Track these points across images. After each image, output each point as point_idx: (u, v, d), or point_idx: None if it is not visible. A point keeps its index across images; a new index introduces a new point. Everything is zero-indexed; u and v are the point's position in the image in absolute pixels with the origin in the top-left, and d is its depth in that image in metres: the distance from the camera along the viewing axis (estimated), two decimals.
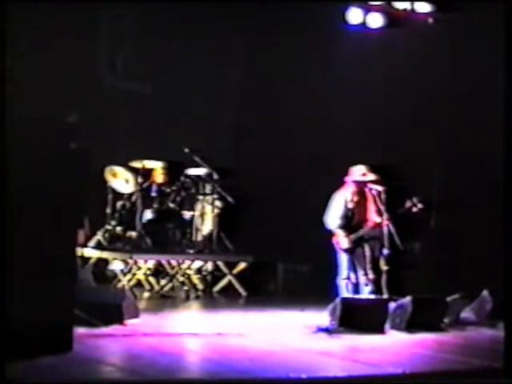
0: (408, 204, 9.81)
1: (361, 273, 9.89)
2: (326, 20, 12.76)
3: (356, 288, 9.91)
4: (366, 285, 9.89)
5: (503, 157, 8.04)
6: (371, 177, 9.92)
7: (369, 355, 7.75)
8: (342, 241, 9.86)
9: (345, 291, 9.84)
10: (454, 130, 12.10)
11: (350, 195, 9.93)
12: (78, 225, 10.35)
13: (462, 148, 11.93)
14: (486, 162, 11.23)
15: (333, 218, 9.93)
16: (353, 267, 9.90)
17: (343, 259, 9.89)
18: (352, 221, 9.95)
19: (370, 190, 9.97)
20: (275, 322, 9.74)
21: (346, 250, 9.86)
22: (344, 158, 11.76)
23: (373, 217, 9.92)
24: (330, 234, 10.06)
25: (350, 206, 9.93)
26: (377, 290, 9.86)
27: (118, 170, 12.47)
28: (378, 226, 9.95)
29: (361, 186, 9.93)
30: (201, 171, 12.66)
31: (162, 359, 7.29)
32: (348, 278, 9.85)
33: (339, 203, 9.94)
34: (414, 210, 9.82)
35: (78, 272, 8.87)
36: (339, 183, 10.22)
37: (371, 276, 9.89)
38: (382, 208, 9.81)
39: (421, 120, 12.33)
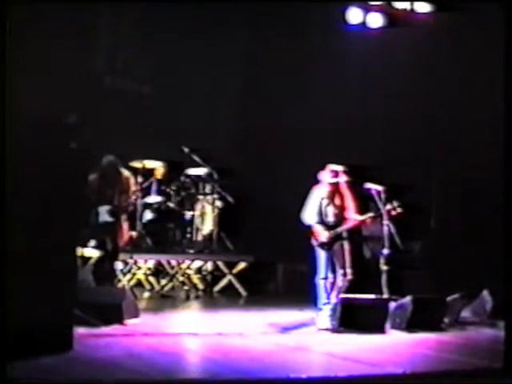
0: (388, 207, 9.79)
1: (340, 272, 9.83)
2: (326, 20, 12.76)
3: (333, 288, 9.82)
4: (342, 285, 9.82)
5: (504, 156, 8.04)
6: (343, 178, 9.90)
7: (369, 355, 7.75)
8: (321, 234, 9.80)
9: (322, 291, 9.78)
10: (454, 129, 12.10)
11: (324, 193, 9.92)
12: (78, 225, 10.35)
13: (462, 147, 11.93)
14: (486, 161, 11.23)
15: (309, 214, 9.91)
16: (331, 266, 9.84)
17: (321, 258, 9.84)
18: (328, 217, 9.90)
19: (369, 189, 9.95)
20: (275, 322, 9.74)
21: (322, 247, 9.79)
22: (344, 158, 11.76)
23: (351, 215, 9.89)
24: (309, 231, 10.01)
25: (325, 203, 9.90)
26: (353, 290, 9.79)
27: None
28: (359, 224, 9.93)
29: (334, 185, 9.91)
30: (201, 171, 12.66)
31: (162, 359, 7.29)
32: (325, 278, 9.78)
33: (315, 200, 9.94)
34: (393, 213, 9.80)
35: (78, 272, 8.86)
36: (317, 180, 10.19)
37: (349, 277, 9.83)
38: (382, 208, 9.79)
39: (421, 119, 12.33)
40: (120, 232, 10.44)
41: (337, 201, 9.90)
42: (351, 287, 9.80)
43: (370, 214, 9.83)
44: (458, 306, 9.95)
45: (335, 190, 9.89)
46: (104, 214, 10.26)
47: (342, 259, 9.81)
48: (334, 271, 9.80)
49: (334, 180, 9.85)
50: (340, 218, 9.88)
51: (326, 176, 9.90)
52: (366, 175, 10.52)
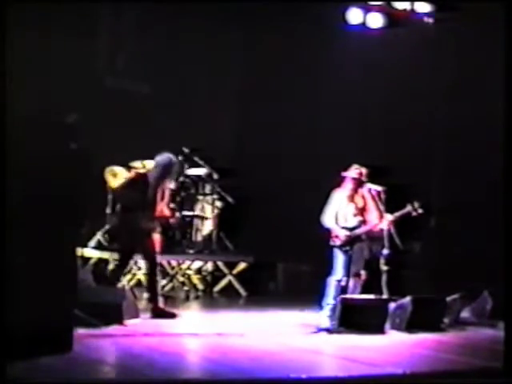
0: (408, 208, 9.78)
1: (353, 273, 9.82)
2: (326, 20, 12.76)
3: (345, 290, 9.82)
4: (355, 286, 9.83)
5: (503, 156, 8.04)
6: (366, 179, 9.90)
7: (369, 355, 7.75)
8: (340, 235, 9.79)
9: (333, 291, 9.78)
10: (454, 129, 12.10)
11: (347, 193, 9.91)
12: (78, 225, 10.35)
13: (462, 148, 11.93)
14: (487, 162, 11.23)
15: (330, 215, 9.90)
16: (348, 268, 9.84)
17: (339, 259, 9.83)
18: (348, 218, 9.89)
19: (369, 190, 9.94)
20: (275, 322, 9.74)
21: (341, 248, 9.78)
22: (344, 158, 11.76)
23: (372, 219, 9.88)
24: (328, 233, 10.02)
25: (345, 204, 9.90)
26: (366, 291, 9.80)
27: (118, 169, 12.45)
28: (377, 228, 9.89)
29: (358, 184, 9.89)
30: (201, 171, 12.65)
31: (162, 359, 7.30)
32: (340, 280, 9.78)
33: (337, 201, 9.92)
34: (414, 214, 9.80)
35: (78, 272, 8.85)
36: (338, 181, 10.17)
37: (364, 277, 9.85)
38: (382, 208, 9.79)
39: (421, 119, 12.33)
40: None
41: (357, 203, 9.90)
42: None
43: (391, 218, 9.80)
44: (457, 306, 9.95)
45: (356, 189, 9.87)
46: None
47: (360, 261, 9.84)
48: (348, 274, 9.81)
49: (358, 176, 9.84)
50: (360, 220, 9.87)
51: (351, 172, 9.89)
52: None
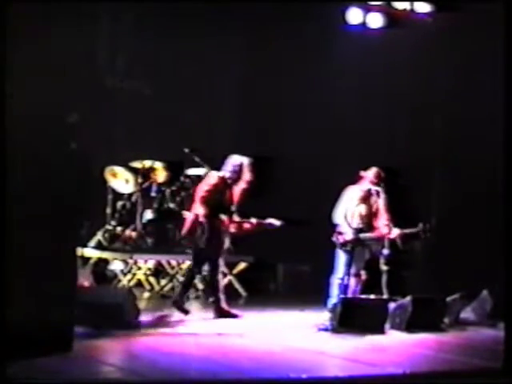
0: (418, 228, 9.77)
1: (353, 273, 9.82)
2: (326, 20, 12.76)
3: (347, 290, 9.84)
4: (356, 286, 9.84)
5: (504, 156, 8.04)
6: (382, 184, 9.89)
7: (369, 355, 7.75)
8: (345, 231, 9.77)
9: (336, 291, 9.78)
10: (455, 129, 12.10)
11: (361, 193, 9.90)
12: (78, 225, 10.35)
13: (463, 147, 11.94)
14: (487, 161, 11.23)
15: (340, 212, 9.88)
16: (349, 268, 9.83)
17: (341, 258, 9.82)
18: (355, 219, 9.86)
19: (369, 190, 9.92)
20: (275, 322, 9.74)
21: (343, 247, 9.76)
22: (343, 158, 11.77)
23: (380, 225, 9.86)
24: (333, 230, 9.99)
25: (358, 204, 9.87)
26: (366, 291, 9.81)
27: (118, 170, 12.46)
28: (383, 237, 9.85)
29: (375, 184, 9.86)
30: (201, 171, 12.65)
31: (162, 359, 7.30)
32: (343, 279, 9.79)
33: (348, 199, 9.90)
34: (422, 235, 9.82)
35: (78, 272, 8.85)
36: (345, 182, 10.14)
37: (364, 277, 9.86)
38: (383, 208, 9.79)
39: (421, 119, 12.33)
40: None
41: (368, 205, 9.88)
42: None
43: (398, 233, 9.80)
44: (457, 306, 9.95)
45: (371, 192, 9.86)
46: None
47: (361, 262, 9.84)
48: (349, 273, 9.82)
49: (377, 178, 9.84)
50: (367, 223, 9.85)
51: (370, 173, 9.88)
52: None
